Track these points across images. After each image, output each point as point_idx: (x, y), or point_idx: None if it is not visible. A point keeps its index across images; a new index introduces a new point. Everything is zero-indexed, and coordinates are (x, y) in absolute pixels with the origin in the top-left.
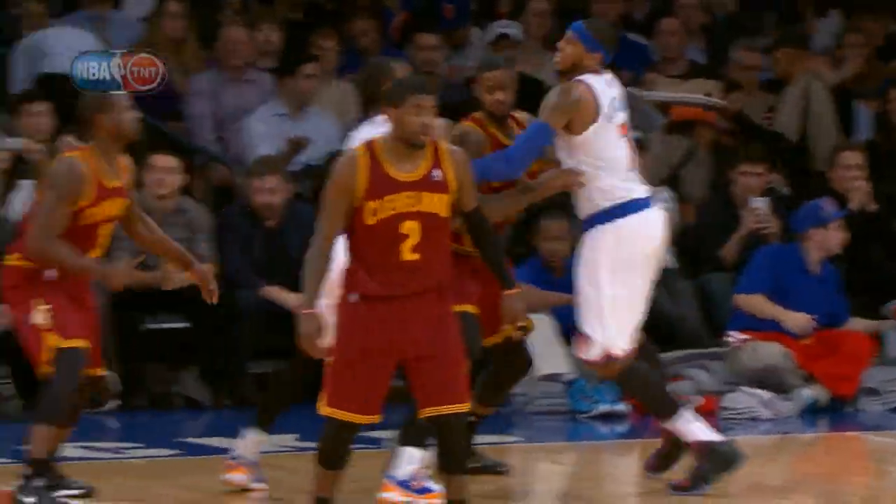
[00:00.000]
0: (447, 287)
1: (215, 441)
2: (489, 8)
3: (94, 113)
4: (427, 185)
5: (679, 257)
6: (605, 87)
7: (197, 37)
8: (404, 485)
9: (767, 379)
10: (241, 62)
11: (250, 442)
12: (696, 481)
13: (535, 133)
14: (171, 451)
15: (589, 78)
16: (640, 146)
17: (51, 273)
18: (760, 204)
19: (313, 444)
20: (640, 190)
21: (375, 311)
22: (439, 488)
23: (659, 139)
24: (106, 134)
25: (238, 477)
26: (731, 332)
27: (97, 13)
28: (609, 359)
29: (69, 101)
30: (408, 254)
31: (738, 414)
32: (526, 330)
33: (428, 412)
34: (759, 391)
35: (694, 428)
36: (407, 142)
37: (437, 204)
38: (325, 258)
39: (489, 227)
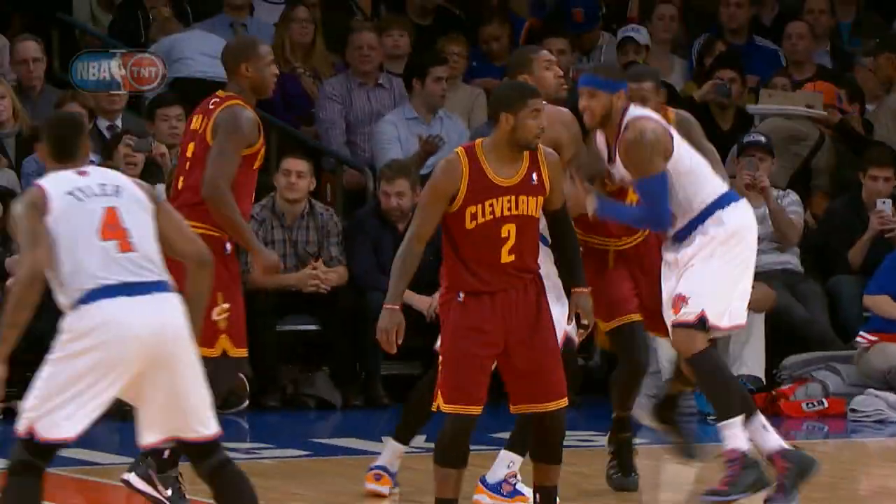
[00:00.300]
0: (540, 281)
1: (345, 442)
2: (618, 12)
3: (238, 62)
4: (525, 188)
5: (807, 260)
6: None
7: (326, 42)
8: (495, 489)
9: None
10: (371, 67)
11: (390, 452)
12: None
13: (661, 186)
14: (303, 452)
15: (640, 111)
16: (766, 150)
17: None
18: (886, 206)
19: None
20: (723, 185)
21: (481, 304)
22: (529, 493)
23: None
24: (247, 84)
25: (382, 489)
26: (860, 335)
27: (235, 19)
28: (700, 324)
29: None
30: (506, 256)
31: (866, 416)
32: (586, 329)
33: (525, 408)
34: (887, 394)
35: (741, 435)
36: (522, 146)
37: (532, 206)
38: (415, 259)
39: (572, 225)
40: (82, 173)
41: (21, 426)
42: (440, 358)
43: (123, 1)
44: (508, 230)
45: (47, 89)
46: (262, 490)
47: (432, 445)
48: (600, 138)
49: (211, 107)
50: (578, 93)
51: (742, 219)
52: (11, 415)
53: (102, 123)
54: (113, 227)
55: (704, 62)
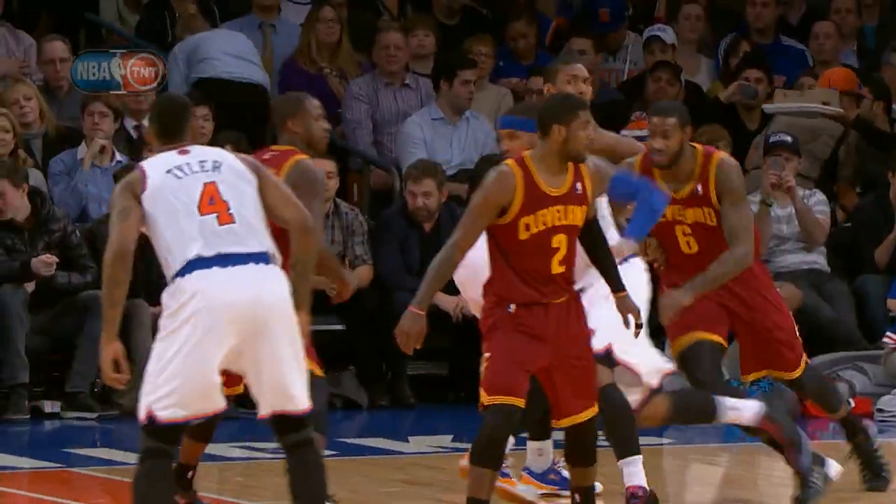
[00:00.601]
0: (578, 293)
1: (372, 442)
2: (645, 12)
3: (284, 119)
4: (572, 198)
5: (833, 260)
6: None
7: (353, 42)
8: (542, 477)
9: None
10: (397, 67)
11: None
12: None
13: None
14: (329, 452)
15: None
16: (792, 150)
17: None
18: None
19: (468, 445)
20: None
21: (532, 314)
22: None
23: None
24: (298, 139)
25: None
26: (887, 335)
27: (264, 19)
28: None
29: (226, 105)
30: (556, 266)
31: (893, 416)
32: (640, 328)
33: (569, 421)
34: None
35: (642, 472)
36: (573, 157)
37: (579, 216)
38: (453, 267)
39: (603, 233)
40: (183, 152)
41: (140, 413)
42: (485, 359)
43: (150, 0)
44: (559, 240)
45: (74, 89)
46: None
47: (459, 445)
48: None
49: (267, 157)
50: (500, 136)
51: None
52: (39, 414)
53: (129, 124)
54: (213, 201)
55: (731, 62)
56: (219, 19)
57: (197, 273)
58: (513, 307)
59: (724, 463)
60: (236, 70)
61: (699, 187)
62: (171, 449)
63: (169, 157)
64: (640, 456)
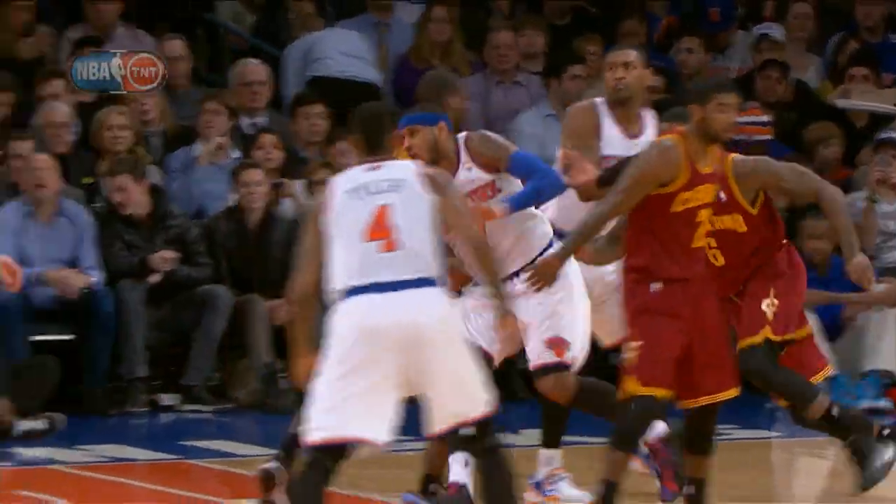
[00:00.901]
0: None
1: None
2: (753, 12)
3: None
4: (714, 177)
5: None
6: None
7: (465, 41)
8: (539, 486)
9: None
10: (508, 65)
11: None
12: None
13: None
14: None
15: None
16: None
17: (656, 286)
18: None
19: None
20: None
21: (674, 291)
22: (567, 492)
23: None
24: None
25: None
26: None
27: (378, 18)
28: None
29: (340, 104)
30: (699, 241)
31: None
32: None
33: (703, 400)
34: None
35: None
36: (711, 137)
37: (716, 196)
38: (599, 230)
39: None
40: (375, 167)
41: (305, 434)
42: (634, 347)
43: (267, 0)
44: (703, 216)
45: (191, 88)
46: (407, 483)
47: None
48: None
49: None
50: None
51: None
52: (155, 406)
53: (245, 121)
54: (380, 227)
55: (839, 60)
56: (334, 18)
57: (352, 300)
58: (655, 286)
59: (832, 456)
60: (350, 69)
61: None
62: (332, 465)
63: (356, 175)
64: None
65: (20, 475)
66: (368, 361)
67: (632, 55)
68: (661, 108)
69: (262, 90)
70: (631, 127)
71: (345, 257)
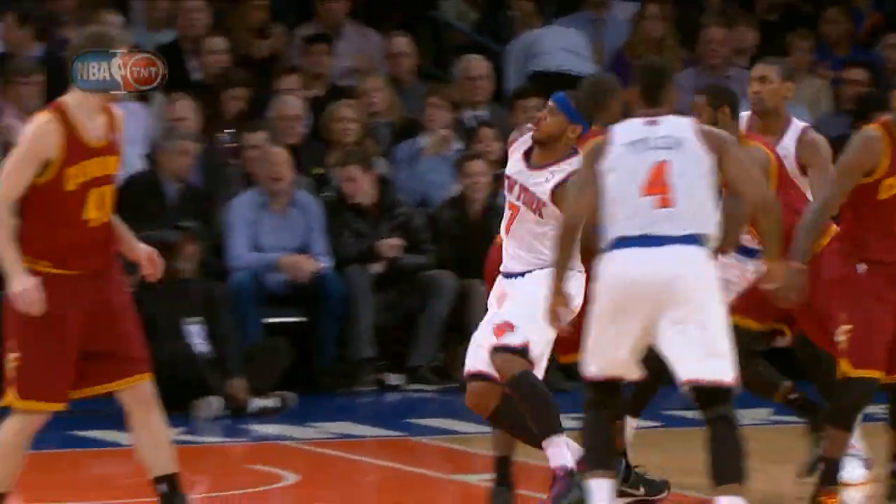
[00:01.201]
0: None
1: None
2: None
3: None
4: None
5: None
6: None
7: (678, 37)
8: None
9: None
10: (719, 60)
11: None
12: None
13: None
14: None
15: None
16: None
17: (863, 268)
18: None
19: (787, 419)
20: None
21: (880, 273)
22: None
23: None
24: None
25: None
26: None
27: (595, 15)
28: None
29: None
30: None
31: None
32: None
33: (893, 379)
34: None
35: (566, 451)
36: None
37: None
38: (823, 224)
39: None
40: (652, 122)
41: (583, 370)
42: (846, 330)
43: None
44: None
45: (416, 83)
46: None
47: (779, 418)
48: None
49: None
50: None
51: None
52: (381, 386)
53: (467, 114)
54: (656, 183)
55: None
56: (553, 16)
57: (617, 252)
58: (861, 267)
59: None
60: (568, 63)
61: None
62: (610, 401)
63: (635, 127)
64: (563, 435)
65: (254, 450)
66: (619, 309)
67: (768, 70)
68: (865, 102)
69: (484, 84)
70: (770, 135)
71: (619, 208)
